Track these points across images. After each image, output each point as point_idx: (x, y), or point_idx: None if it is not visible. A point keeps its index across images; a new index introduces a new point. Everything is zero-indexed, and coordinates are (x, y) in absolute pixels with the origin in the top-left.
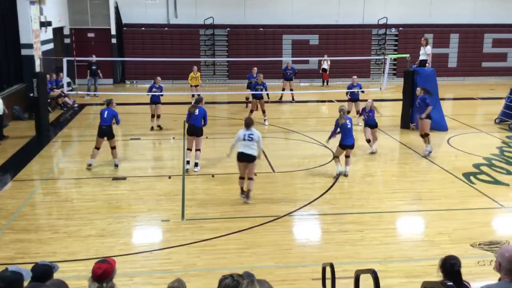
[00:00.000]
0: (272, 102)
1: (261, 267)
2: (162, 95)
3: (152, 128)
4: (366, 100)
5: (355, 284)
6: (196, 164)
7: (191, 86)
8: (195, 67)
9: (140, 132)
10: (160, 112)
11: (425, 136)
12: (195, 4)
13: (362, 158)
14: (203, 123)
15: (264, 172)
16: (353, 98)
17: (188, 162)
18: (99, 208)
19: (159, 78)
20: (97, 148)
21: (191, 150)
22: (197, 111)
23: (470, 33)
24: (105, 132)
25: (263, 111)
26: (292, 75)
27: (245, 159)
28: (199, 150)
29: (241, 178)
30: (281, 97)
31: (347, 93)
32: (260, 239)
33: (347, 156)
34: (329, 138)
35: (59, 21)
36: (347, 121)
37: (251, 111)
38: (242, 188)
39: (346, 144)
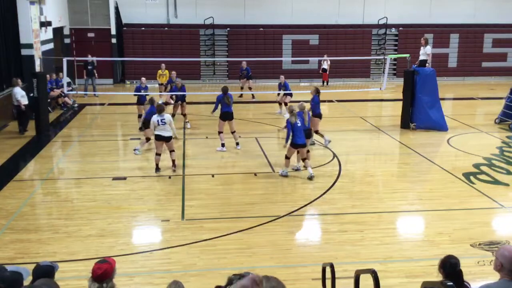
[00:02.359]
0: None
1: (261, 267)
2: (148, 94)
3: (140, 128)
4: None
5: (355, 284)
6: (237, 144)
7: (159, 84)
8: (163, 65)
9: (140, 132)
10: None
11: (316, 132)
12: (195, 4)
13: (362, 158)
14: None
15: (264, 172)
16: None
17: (223, 145)
18: (99, 208)
19: (143, 79)
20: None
21: (222, 132)
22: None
23: (470, 33)
24: (146, 124)
25: (184, 115)
26: (247, 74)
27: (162, 139)
28: (235, 132)
29: (158, 154)
30: (241, 95)
31: (278, 94)
32: (260, 239)
33: (303, 159)
34: (286, 140)
35: (59, 21)
36: (298, 120)
37: (173, 115)
38: (157, 165)
39: (298, 143)
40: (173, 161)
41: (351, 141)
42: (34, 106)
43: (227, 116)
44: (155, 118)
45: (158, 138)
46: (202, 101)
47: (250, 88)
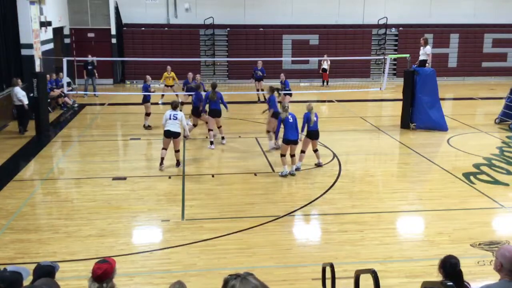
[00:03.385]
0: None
1: (261, 267)
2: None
3: (145, 126)
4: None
5: (355, 284)
6: (223, 138)
7: (165, 86)
8: (169, 67)
9: (140, 132)
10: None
11: (268, 132)
12: (195, 4)
13: (362, 158)
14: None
15: (264, 172)
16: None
17: (212, 143)
18: (99, 208)
19: (149, 77)
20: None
21: (212, 130)
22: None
23: (470, 33)
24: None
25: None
26: (261, 76)
27: (171, 135)
28: (221, 126)
29: (164, 149)
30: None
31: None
32: (260, 239)
33: (292, 155)
34: (276, 135)
35: (59, 21)
36: (289, 116)
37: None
38: (163, 159)
39: (290, 139)
40: (177, 161)
41: (351, 141)
42: (34, 106)
43: (215, 113)
44: (168, 112)
45: (167, 134)
46: None
47: (258, 90)
